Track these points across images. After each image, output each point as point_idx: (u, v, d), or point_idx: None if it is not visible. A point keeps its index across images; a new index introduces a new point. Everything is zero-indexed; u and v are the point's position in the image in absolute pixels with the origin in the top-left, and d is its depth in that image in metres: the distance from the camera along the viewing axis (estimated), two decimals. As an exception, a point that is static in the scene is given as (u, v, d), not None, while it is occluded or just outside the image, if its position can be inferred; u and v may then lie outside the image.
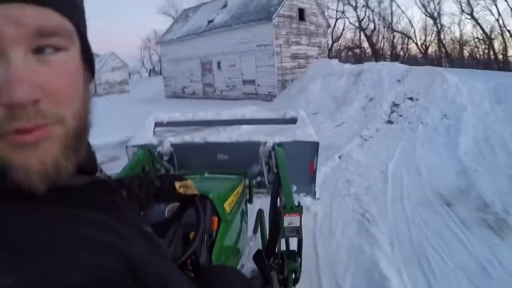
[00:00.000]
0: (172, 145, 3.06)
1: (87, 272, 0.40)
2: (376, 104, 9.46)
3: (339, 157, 6.02)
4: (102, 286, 0.40)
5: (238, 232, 2.08)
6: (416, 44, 32.98)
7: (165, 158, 3.02)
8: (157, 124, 3.59)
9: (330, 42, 31.60)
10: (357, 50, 34.82)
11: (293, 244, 1.85)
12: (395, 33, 33.21)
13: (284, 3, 14.94)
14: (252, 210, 2.63)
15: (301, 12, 15.82)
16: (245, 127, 6.78)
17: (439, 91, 9.20)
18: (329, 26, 18.19)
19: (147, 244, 0.55)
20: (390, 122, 8.59)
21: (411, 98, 9.28)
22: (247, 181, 2.60)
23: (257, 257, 1.81)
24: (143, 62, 61.03)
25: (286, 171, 2.16)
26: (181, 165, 3.05)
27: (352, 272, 2.89)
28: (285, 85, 14.58)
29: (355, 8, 31.49)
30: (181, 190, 1.23)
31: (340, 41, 36.06)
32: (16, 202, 0.43)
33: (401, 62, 14.05)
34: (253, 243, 2.66)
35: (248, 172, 2.81)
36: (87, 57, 0.53)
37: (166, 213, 1.57)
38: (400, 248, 3.24)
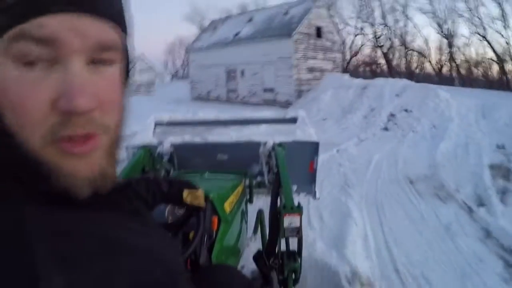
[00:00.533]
0: (172, 145, 3.06)
1: (132, 278, 0.42)
2: (376, 114, 11.10)
3: (337, 150, 7.68)
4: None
5: (238, 232, 2.08)
6: (430, 62, 34.26)
7: (165, 158, 3.03)
8: (158, 124, 3.64)
9: (348, 56, 33.22)
10: (374, 66, 36.14)
11: (293, 244, 1.90)
12: (410, 51, 34.51)
13: (303, 21, 16.71)
14: (252, 210, 2.67)
15: (318, 30, 17.58)
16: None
17: (431, 104, 10.78)
18: (344, 43, 19.91)
19: (168, 244, 0.58)
20: (386, 129, 10.20)
21: (406, 110, 10.87)
22: (247, 181, 2.64)
23: (257, 257, 1.84)
24: (166, 66, 63.78)
25: (286, 171, 2.17)
26: (181, 165, 3.05)
27: (330, 209, 4.55)
28: (301, 95, 16.28)
29: (372, 26, 33.01)
30: (188, 200, 1.22)
31: (358, 56, 37.42)
32: (62, 206, 0.44)
33: (416, 80, 15.38)
34: (253, 243, 2.69)
35: (248, 172, 2.85)
36: (127, 69, 0.55)
37: (166, 214, 1.57)
38: (365, 201, 4.90)
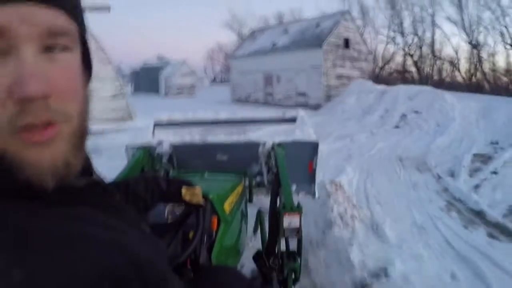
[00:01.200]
0: (171, 145, 3.07)
1: (94, 267, 0.42)
2: (390, 114, 13.12)
3: (350, 139, 9.85)
4: (109, 281, 0.42)
5: (238, 232, 2.08)
6: (459, 71, 35.30)
7: (165, 158, 3.03)
8: (157, 124, 3.64)
9: (381, 64, 34.83)
10: (405, 74, 37.33)
11: (293, 244, 1.92)
12: (440, 60, 35.62)
13: (333, 33, 18.89)
14: (251, 210, 2.71)
15: (346, 41, 19.69)
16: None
17: (437, 107, 12.67)
18: (372, 52, 21.88)
19: (146, 241, 0.57)
20: (397, 127, 12.21)
21: (416, 111, 12.83)
22: (247, 181, 2.64)
23: (257, 257, 1.86)
24: (205, 71, 67.14)
25: (286, 171, 2.19)
26: (181, 166, 3.06)
27: (331, 167, 6.75)
28: (329, 99, 18.39)
29: (403, 35, 34.48)
30: (187, 197, 1.22)
31: (391, 64, 38.66)
32: (24, 200, 0.44)
33: (446, 88, 16.51)
34: (252, 243, 2.72)
35: (248, 172, 2.84)
36: (87, 59, 0.55)
37: (165, 214, 1.58)
38: (360, 167, 7.04)
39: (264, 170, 3.08)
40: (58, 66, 0.46)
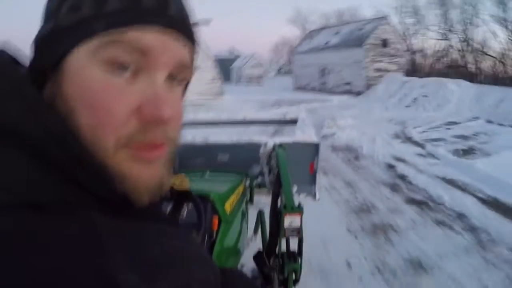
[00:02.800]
0: None
1: (197, 283, 0.44)
2: (406, 98, 18.02)
3: (368, 111, 15.11)
4: None
5: (239, 232, 2.08)
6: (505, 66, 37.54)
7: None
8: None
9: (431, 60, 38.11)
10: (456, 69, 39.99)
11: (293, 244, 1.90)
12: (490, 56, 37.94)
13: (372, 35, 23.72)
14: (252, 210, 2.70)
15: (384, 41, 24.28)
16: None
17: (441, 93, 17.35)
18: (407, 50, 26.39)
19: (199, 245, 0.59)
20: (408, 106, 17.06)
21: (425, 96, 17.61)
22: (248, 182, 2.67)
23: (258, 257, 1.89)
24: (271, 63, 72.87)
25: (287, 171, 2.19)
26: (182, 166, 2.96)
27: (348, 122, 12.15)
28: (368, 87, 23.20)
29: (452, 32, 37.43)
30: (175, 185, 1.24)
31: (444, 59, 41.36)
32: (118, 214, 0.44)
33: (494, 83, 18.73)
34: (253, 243, 2.69)
35: (249, 172, 2.88)
36: (186, 88, 0.57)
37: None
38: (363, 122, 12.42)
39: (265, 170, 3.04)
40: (174, 95, 0.49)
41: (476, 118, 13.38)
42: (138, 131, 0.44)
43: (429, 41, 38.37)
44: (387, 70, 24.00)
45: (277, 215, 1.92)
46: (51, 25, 0.45)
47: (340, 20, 46.91)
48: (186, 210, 1.47)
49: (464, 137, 10.06)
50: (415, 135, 10.21)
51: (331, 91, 25.82)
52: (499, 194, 5.15)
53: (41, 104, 0.42)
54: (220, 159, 3.15)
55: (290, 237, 1.85)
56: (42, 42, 0.46)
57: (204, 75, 20.02)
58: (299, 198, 2.85)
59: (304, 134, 3.29)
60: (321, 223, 4.20)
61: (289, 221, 1.77)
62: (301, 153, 3.09)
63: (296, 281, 1.86)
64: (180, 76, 0.49)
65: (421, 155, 7.92)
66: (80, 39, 0.43)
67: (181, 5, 0.49)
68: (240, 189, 2.25)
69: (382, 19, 25.45)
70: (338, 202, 5.13)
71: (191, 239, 0.56)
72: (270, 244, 1.93)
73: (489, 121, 12.79)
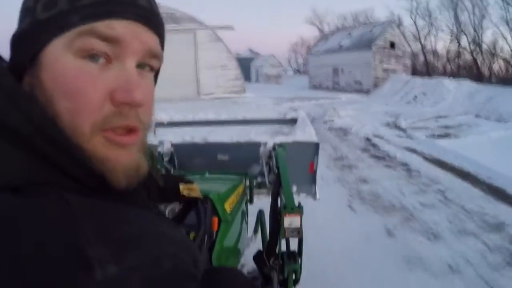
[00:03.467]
0: (172, 145, 3.09)
1: (175, 263, 0.44)
2: (407, 95, 20.25)
3: (368, 106, 17.45)
4: (184, 277, 0.45)
5: (239, 233, 2.09)
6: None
7: (166, 158, 3.04)
8: (158, 125, 3.68)
9: (444, 61, 39.68)
10: (467, 70, 41.33)
11: (293, 244, 1.90)
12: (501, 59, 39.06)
13: (380, 38, 25.97)
14: (252, 211, 2.71)
15: (392, 43, 26.48)
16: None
17: (438, 90, 19.49)
18: (413, 53, 28.54)
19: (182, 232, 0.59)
20: (408, 103, 19.27)
21: (424, 93, 19.78)
22: (247, 182, 2.67)
23: (257, 257, 1.88)
24: (289, 62, 75.15)
25: (287, 171, 2.20)
26: (182, 165, 3.09)
27: (350, 113, 14.55)
28: (376, 86, 25.43)
29: (463, 33, 38.67)
30: (185, 193, 1.25)
31: (456, 60, 42.73)
32: (96, 196, 0.45)
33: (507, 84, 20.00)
34: (253, 244, 2.71)
35: (248, 172, 2.88)
36: (156, 79, 0.61)
37: (166, 214, 1.53)
38: (361, 114, 14.80)
39: (265, 170, 3.03)
40: (145, 81, 0.52)
41: (466, 113, 15.02)
42: (112, 115, 0.47)
43: (442, 42, 39.73)
44: (394, 70, 26.20)
45: (277, 215, 1.90)
46: (27, 21, 0.49)
47: (356, 20, 49.15)
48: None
49: (446, 127, 11.73)
50: (403, 124, 12.28)
51: (343, 90, 28.08)
52: (441, 156, 7.47)
53: (20, 93, 0.45)
54: (220, 158, 3.16)
55: (290, 237, 1.83)
56: (19, 38, 0.49)
57: (228, 74, 23.01)
58: (299, 198, 2.83)
59: (304, 133, 3.28)
60: None
61: (289, 221, 1.76)
62: (301, 152, 3.09)
63: (296, 281, 1.85)
64: (150, 63, 0.53)
65: (399, 136, 10.16)
66: (56, 32, 0.47)
67: None
68: (240, 189, 2.24)
69: (390, 23, 27.88)
70: (324, 155, 7.55)
71: (171, 225, 0.57)
72: (270, 244, 1.91)
73: (477, 116, 14.29)
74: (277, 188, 2.11)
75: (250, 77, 49.10)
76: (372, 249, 3.75)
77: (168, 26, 14.16)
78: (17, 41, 0.50)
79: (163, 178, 1.11)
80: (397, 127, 11.88)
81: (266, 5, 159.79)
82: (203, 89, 23.25)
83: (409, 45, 28.40)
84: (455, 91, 19.12)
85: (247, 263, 2.27)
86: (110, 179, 0.48)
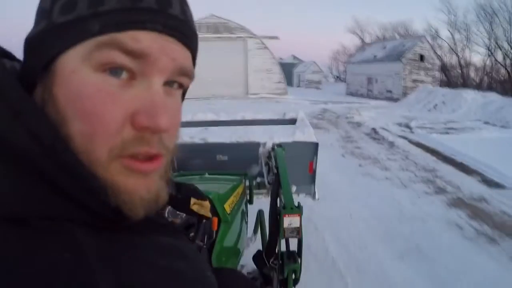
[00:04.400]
0: None
1: None
2: (428, 104, 22.99)
3: (390, 111, 20.44)
4: None
5: (238, 233, 2.09)
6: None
7: None
8: None
9: (481, 74, 41.09)
10: (502, 84, 42.54)
11: (293, 244, 1.93)
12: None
13: (410, 51, 28.74)
14: (252, 211, 2.72)
15: (421, 56, 29.10)
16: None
17: (456, 100, 22.05)
18: (442, 65, 31.06)
19: (201, 256, 0.59)
20: (429, 110, 22.04)
21: (443, 102, 22.46)
22: (247, 182, 2.67)
23: (257, 257, 1.89)
24: (331, 69, 77.67)
25: (286, 171, 2.20)
26: (181, 166, 3.01)
27: (373, 115, 17.63)
28: (405, 95, 28.10)
29: (499, 47, 40.03)
30: (194, 207, 1.16)
31: (492, 74, 43.91)
32: (111, 230, 0.43)
33: None
34: (253, 244, 2.74)
35: (248, 172, 2.88)
36: (183, 96, 0.56)
37: (166, 213, 1.39)
38: (380, 114, 17.84)
39: (265, 170, 3.02)
40: (172, 101, 0.46)
41: (477, 120, 16.46)
42: (132, 140, 0.42)
43: (478, 55, 40.98)
44: (423, 82, 28.85)
45: (276, 215, 1.89)
46: (43, 24, 0.43)
47: (396, 31, 51.53)
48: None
49: (450, 128, 13.18)
50: (413, 124, 14.81)
51: (375, 97, 30.89)
52: (423, 141, 10.49)
53: (29, 108, 0.39)
54: (219, 159, 3.13)
55: (289, 238, 1.83)
56: (32, 42, 0.44)
57: (272, 77, 27.28)
58: (298, 198, 2.80)
59: (303, 134, 3.28)
60: (328, 139, 10.13)
61: (289, 221, 1.77)
62: (300, 152, 3.09)
63: (296, 281, 1.86)
64: (180, 80, 0.47)
65: (402, 130, 12.99)
66: (73, 40, 0.41)
67: (184, 7, 0.47)
68: (240, 189, 2.21)
69: (420, 37, 30.69)
70: (336, 134, 11.15)
71: (195, 257, 0.54)
72: (270, 244, 1.90)
73: (486, 122, 15.61)
74: (277, 188, 2.11)
75: (292, 82, 52.36)
76: (349, 171, 7.23)
77: (223, 35, 23.72)
78: (30, 44, 0.44)
79: (176, 186, 1.08)
80: (406, 125, 14.32)
81: (310, 15, 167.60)
82: (250, 90, 27.80)
83: (438, 58, 30.87)
84: (471, 101, 21.64)
85: (247, 263, 2.25)
86: (127, 210, 0.43)
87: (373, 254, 3.91)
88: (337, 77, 72.13)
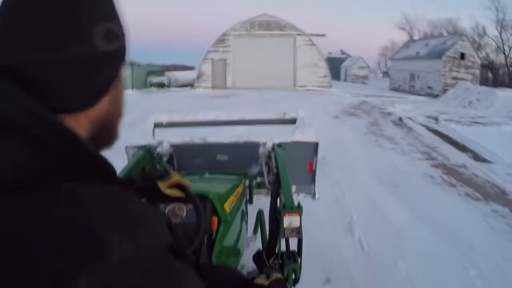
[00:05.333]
0: (171, 145, 3.11)
1: (168, 239, 0.52)
2: (464, 100, 24.55)
3: (424, 105, 22.37)
4: (171, 252, 0.51)
5: (238, 233, 2.11)
6: None
7: (165, 158, 3.05)
8: (157, 125, 3.64)
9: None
10: None
11: (293, 244, 1.97)
12: None
13: (450, 50, 30.06)
14: (252, 211, 2.75)
15: (462, 54, 30.24)
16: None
17: (490, 98, 23.49)
18: (489, 63, 32.00)
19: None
20: (464, 107, 23.59)
21: (478, 99, 23.96)
22: (247, 182, 2.67)
23: (257, 257, 1.87)
24: (379, 65, 78.58)
25: (286, 171, 2.22)
26: (181, 166, 3.09)
27: (406, 107, 19.80)
28: (445, 92, 29.53)
29: None
30: (167, 192, 1.20)
31: None
32: (111, 185, 0.50)
33: None
34: (253, 244, 2.79)
35: (248, 172, 2.89)
36: None
37: (166, 213, 1.57)
38: (414, 107, 19.95)
39: (265, 170, 3.07)
40: None
41: (507, 116, 16.99)
42: None
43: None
44: (463, 79, 30.29)
45: (276, 215, 1.91)
46: (81, 49, 0.48)
47: (444, 28, 52.00)
48: (185, 210, 1.54)
49: (477, 122, 14.31)
50: (442, 117, 16.63)
51: (417, 93, 32.48)
52: (440, 129, 12.71)
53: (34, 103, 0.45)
54: (219, 159, 3.16)
55: (289, 237, 1.84)
56: (72, 66, 0.48)
57: (318, 72, 30.32)
58: (298, 198, 2.84)
59: (303, 133, 3.24)
60: (357, 124, 12.78)
61: (289, 221, 1.78)
62: (300, 152, 3.10)
63: (296, 280, 1.87)
64: None
65: (429, 121, 15.04)
66: (119, 66, 0.53)
67: None
68: (240, 189, 2.23)
69: (461, 36, 32.10)
70: (365, 119, 13.77)
71: (147, 204, 0.61)
72: (270, 244, 1.91)
73: None
74: (277, 188, 2.14)
75: (339, 76, 54.21)
76: (365, 143, 9.86)
77: (274, 32, 28.90)
78: (70, 69, 0.49)
79: (143, 178, 1.12)
80: (434, 118, 15.88)
81: (360, 11, 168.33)
82: (298, 82, 30.89)
83: (478, 57, 32.01)
84: (504, 99, 23.10)
85: (247, 263, 2.28)
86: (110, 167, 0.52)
87: (362, 180, 6.58)
88: (385, 72, 72.66)
